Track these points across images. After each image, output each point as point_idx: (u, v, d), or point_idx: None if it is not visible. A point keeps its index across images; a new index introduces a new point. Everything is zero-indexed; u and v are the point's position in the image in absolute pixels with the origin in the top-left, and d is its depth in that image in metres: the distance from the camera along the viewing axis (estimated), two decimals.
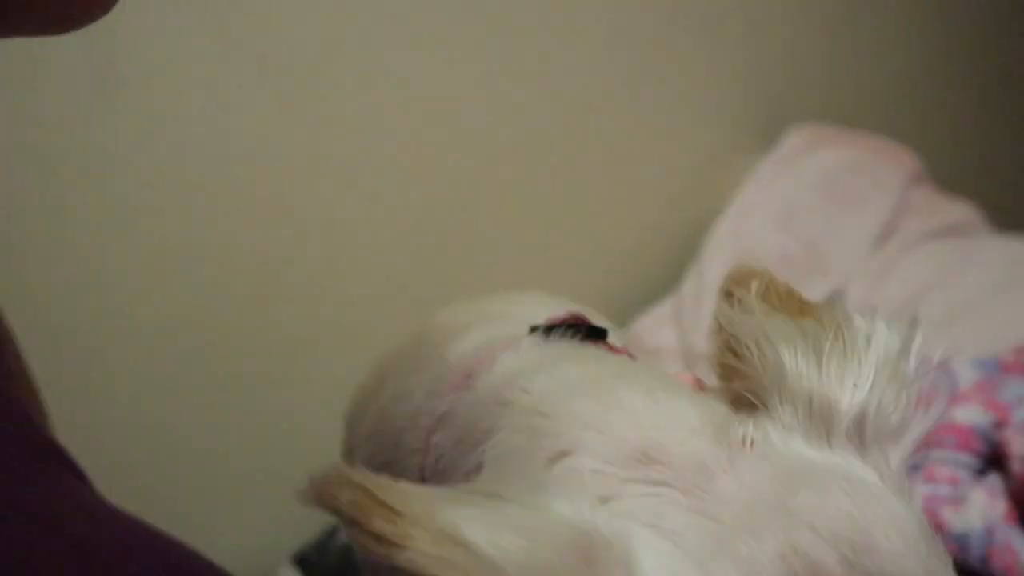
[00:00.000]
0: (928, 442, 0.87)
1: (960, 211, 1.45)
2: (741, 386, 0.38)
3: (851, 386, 0.36)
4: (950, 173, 1.57)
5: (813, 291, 1.28)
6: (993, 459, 0.84)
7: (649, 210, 1.44)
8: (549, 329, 0.46)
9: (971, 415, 0.87)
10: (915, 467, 0.88)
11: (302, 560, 1.11)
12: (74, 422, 0.60)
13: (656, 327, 1.33)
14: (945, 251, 1.33)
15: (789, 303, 0.41)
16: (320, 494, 0.31)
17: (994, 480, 0.82)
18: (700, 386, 0.45)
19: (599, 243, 1.40)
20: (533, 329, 0.47)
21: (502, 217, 1.29)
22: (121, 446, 1.02)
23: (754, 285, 0.41)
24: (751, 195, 1.41)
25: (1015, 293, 1.17)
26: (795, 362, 0.36)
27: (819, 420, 0.36)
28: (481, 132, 1.25)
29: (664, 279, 1.41)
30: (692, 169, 1.48)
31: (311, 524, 1.11)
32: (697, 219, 1.43)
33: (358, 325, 1.15)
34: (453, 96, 1.21)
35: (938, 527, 0.78)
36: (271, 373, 1.12)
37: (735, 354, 0.39)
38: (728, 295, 0.42)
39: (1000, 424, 0.84)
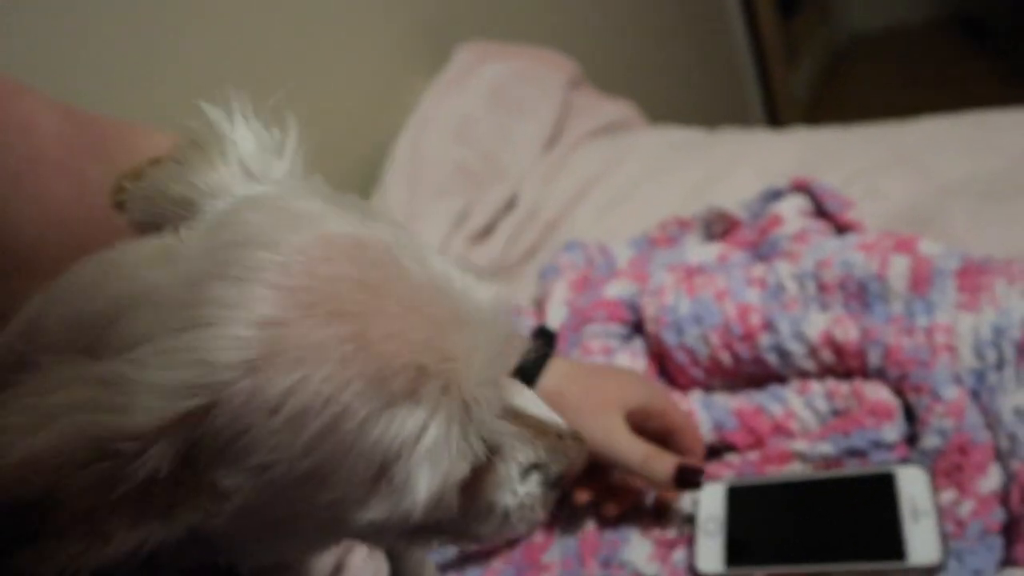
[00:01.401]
0: (584, 319, 0.91)
1: (618, 109, 1.52)
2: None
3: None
4: (607, 76, 1.65)
5: (494, 197, 1.32)
6: (638, 325, 0.90)
7: (329, 138, 1.38)
8: None
9: (619, 289, 0.91)
10: (575, 344, 0.92)
11: None
12: None
13: None
14: (606, 147, 1.39)
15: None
16: None
17: (639, 343, 0.88)
18: None
19: None
20: None
21: None
22: None
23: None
24: (425, 113, 1.39)
25: (665, 176, 1.25)
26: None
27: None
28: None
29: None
30: (368, 96, 1.44)
31: None
32: (379, 143, 1.40)
33: None
34: None
35: None
36: None
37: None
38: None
39: (642, 292, 0.90)
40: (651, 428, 0.70)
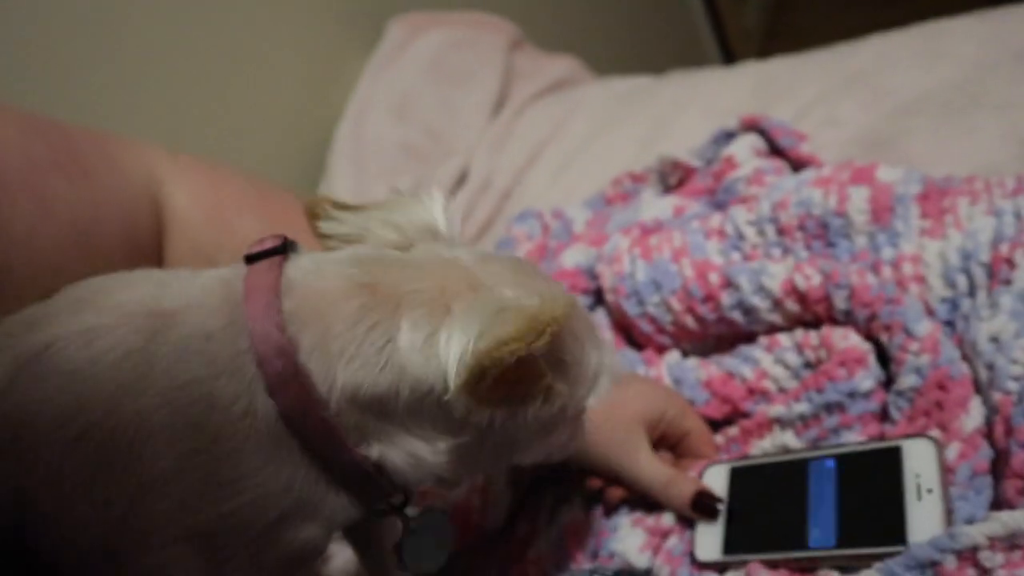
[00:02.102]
0: None
1: (563, 66, 1.46)
2: None
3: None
4: (549, 34, 1.58)
5: (442, 174, 1.26)
6: (599, 293, 0.85)
7: (273, 128, 1.33)
8: None
9: (576, 257, 0.87)
10: None
11: None
12: None
13: None
14: (553, 106, 1.33)
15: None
16: None
17: (601, 313, 0.83)
18: None
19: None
20: None
21: None
22: None
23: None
24: (364, 94, 1.33)
25: (615, 129, 1.19)
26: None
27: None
28: None
29: (298, 193, 1.32)
30: (307, 81, 1.37)
31: None
32: (322, 129, 1.34)
33: None
34: None
35: None
36: None
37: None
38: (314, 216, 0.52)
39: (600, 258, 0.85)
40: (664, 433, 0.67)
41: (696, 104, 1.18)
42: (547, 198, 1.12)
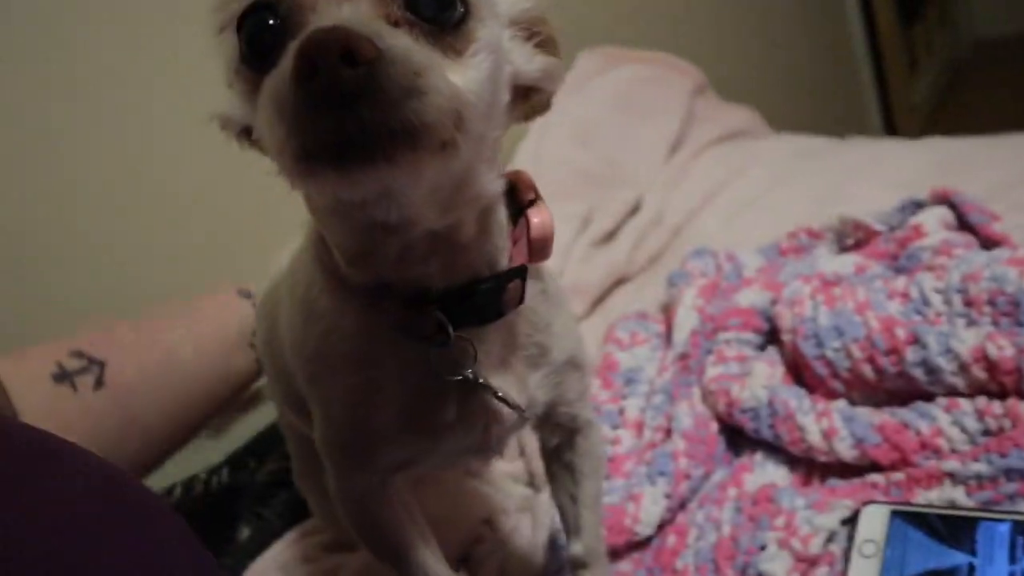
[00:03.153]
0: (717, 327, 0.90)
1: (741, 116, 1.50)
2: None
3: None
4: (730, 83, 1.62)
5: (618, 201, 1.31)
6: (771, 334, 0.88)
7: None
8: None
9: (752, 297, 0.90)
10: (707, 351, 0.91)
11: None
12: None
13: None
14: (730, 153, 1.37)
15: None
16: None
17: (772, 352, 0.86)
18: None
19: None
20: None
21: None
22: None
23: None
24: (547, 118, 1.39)
25: (791, 184, 1.22)
26: None
27: None
28: None
29: None
30: None
31: None
32: (505, 143, 1.42)
33: None
34: None
35: (730, 404, 0.81)
36: None
37: None
38: None
39: (775, 301, 0.88)
40: None
41: (876, 171, 1.19)
42: (717, 240, 1.16)
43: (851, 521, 0.68)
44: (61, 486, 0.40)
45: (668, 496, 0.78)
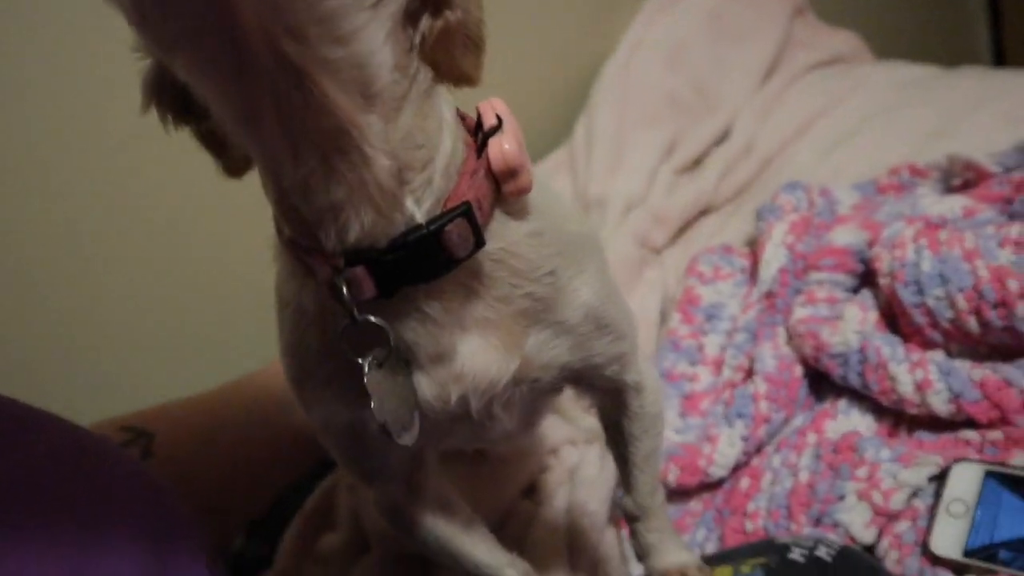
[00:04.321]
0: (808, 266, 0.86)
1: (843, 41, 1.40)
2: None
3: None
4: (831, 5, 1.52)
5: (702, 131, 1.25)
6: (866, 276, 0.83)
7: (538, 58, 1.36)
8: None
9: (848, 236, 0.85)
10: (796, 291, 0.87)
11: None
12: None
13: (550, 175, 1.28)
14: (829, 81, 1.29)
15: None
16: None
17: (866, 295, 0.81)
18: None
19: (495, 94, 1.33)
20: None
21: None
22: None
23: None
24: (637, 36, 1.33)
25: (895, 115, 1.14)
26: None
27: None
28: None
29: (559, 128, 1.35)
30: (580, 15, 1.39)
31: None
32: (587, 65, 1.36)
33: None
34: None
35: (818, 348, 0.78)
36: None
37: None
38: None
39: (872, 243, 0.83)
40: None
41: (989, 104, 1.10)
42: (811, 173, 1.10)
43: (939, 478, 0.65)
44: None
45: (745, 439, 0.76)
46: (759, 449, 0.77)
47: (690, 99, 1.28)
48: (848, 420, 0.75)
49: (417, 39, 0.39)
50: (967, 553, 0.59)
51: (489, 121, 0.44)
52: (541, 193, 0.47)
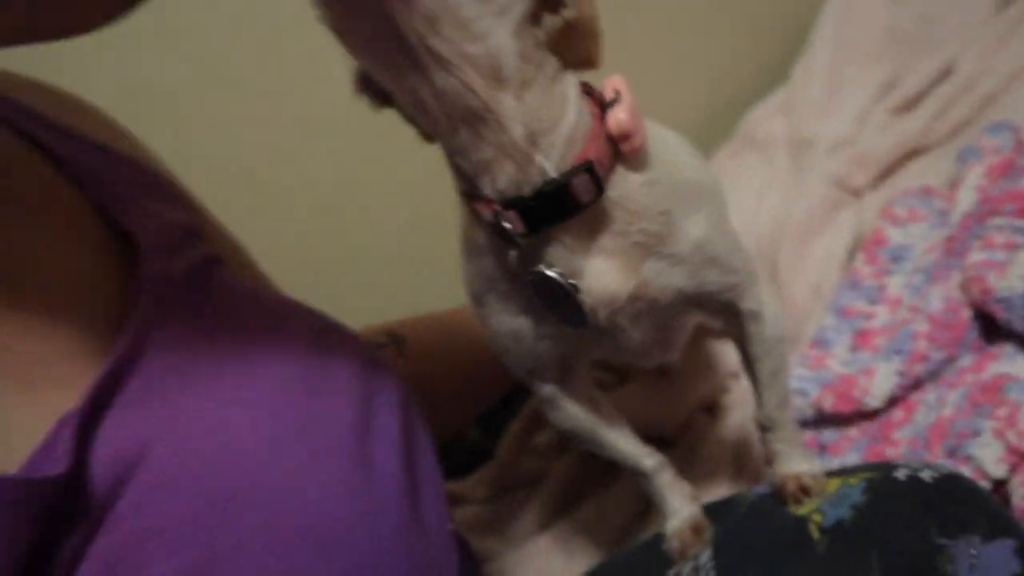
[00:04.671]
0: (992, 210, 0.87)
1: None
2: None
3: None
4: None
5: (924, 67, 1.23)
6: None
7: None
8: None
9: None
10: (977, 236, 0.88)
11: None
12: None
13: (768, 117, 1.32)
14: None
15: None
16: None
17: None
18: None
19: (712, 37, 1.38)
20: None
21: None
22: None
23: None
24: None
25: None
26: None
27: None
28: None
29: (780, 68, 1.38)
30: None
31: None
32: (810, 1, 1.37)
33: None
34: None
35: (984, 292, 0.80)
36: None
37: None
38: None
39: None
40: None
41: None
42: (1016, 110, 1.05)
43: None
44: None
45: (901, 374, 0.81)
46: (919, 385, 0.82)
47: (914, 33, 1.25)
48: (1012, 364, 0.77)
49: (542, 35, 0.52)
50: None
51: (608, 96, 0.56)
52: (663, 148, 0.59)
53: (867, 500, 0.61)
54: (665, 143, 0.60)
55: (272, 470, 0.51)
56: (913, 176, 1.11)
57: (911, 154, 1.14)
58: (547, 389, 0.67)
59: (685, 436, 0.94)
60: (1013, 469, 0.68)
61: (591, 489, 0.95)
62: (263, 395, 0.55)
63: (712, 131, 1.37)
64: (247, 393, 0.55)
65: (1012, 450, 0.68)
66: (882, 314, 0.92)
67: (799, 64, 1.33)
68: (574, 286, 0.56)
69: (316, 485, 0.52)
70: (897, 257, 0.96)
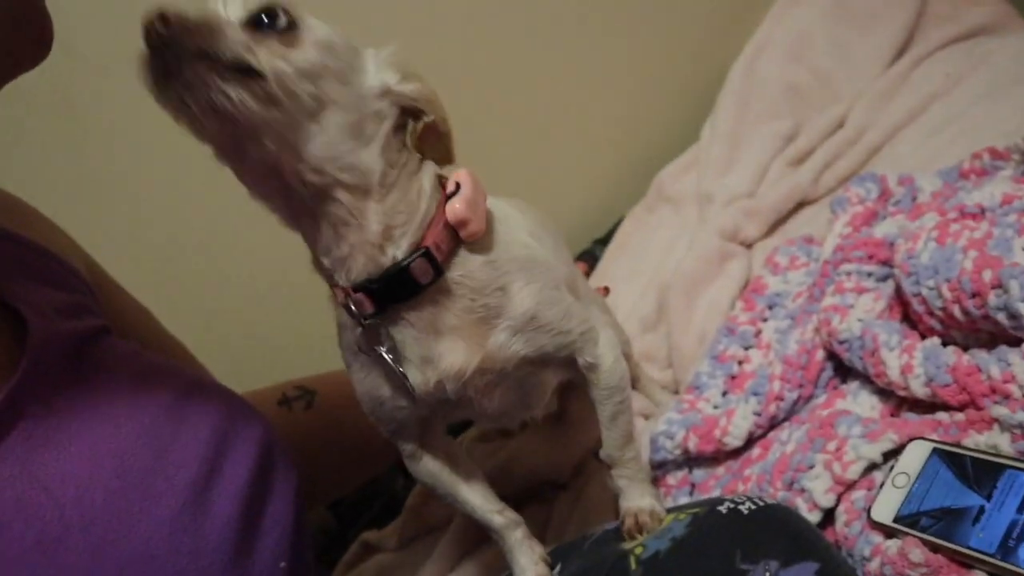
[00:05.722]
0: (845, 257, 0.92)
1: (987, 10, 1.34)
2: None
3: None
4: None
5: (821, 120, 1.29)
6: None
7: (669, 63, 1.46)
8: None
9: (888, 228, 0.89)
10: (831, 281, 0.93)
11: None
12: None
13: (678, 174, 1.38)
14: (957, 57, 1.26)
15: None
16: None
17: (891, 287, 0.86)
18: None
19: (626, 102, 1.46)
20: None
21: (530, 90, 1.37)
22: None
23: None
24: (765, 34, 1.39)
25: (1006, 95, 1.11)
26: None
27: None
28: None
29: (691, 130, 1.45)
30: (712, 17, 1.48)
31: None
32: (719, 67, 1.44)
33: None
34: None
35: (830, 334, 0.84)
36: None
37: None
38: None
39: (902, 233, 0.86)
40: None
41: None
42: (912, 158, 1.11)
43: (898, 453, 0.72)
44: None
45: (757, 414, 0.85)
46: (776, 424, 0.86)
47: (811, 88, 1.32)
48: (856, 401, 0.82)
49: (407, 138, 0.61)
50: (896, 519, 0.66)
51: (450, 188, 0.63)
52: (505, 229, 0.66)
53: (687, 533, 0.65)
54: (507, 224, 0.67)
55: (104, 514, 0.58)
56: (801, 226, 1.17)
57: (801, 204, 1.20)
58: (408, 447, 0.73)
59: (576, 478, 0.98)
60: (839, 499, 0.72)
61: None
62: (117, 447, 0.62)
63: (630, 187, 1.44)
64: (103, 446, 0.62)
65: (837, 480, 0.72)
66: (755, 358, 0.96)
67: (706, 125, 1.40)
68: (403, 373, 0.63)
69: (144, 527, 0.58)
70: (772, 304, 1.01)
